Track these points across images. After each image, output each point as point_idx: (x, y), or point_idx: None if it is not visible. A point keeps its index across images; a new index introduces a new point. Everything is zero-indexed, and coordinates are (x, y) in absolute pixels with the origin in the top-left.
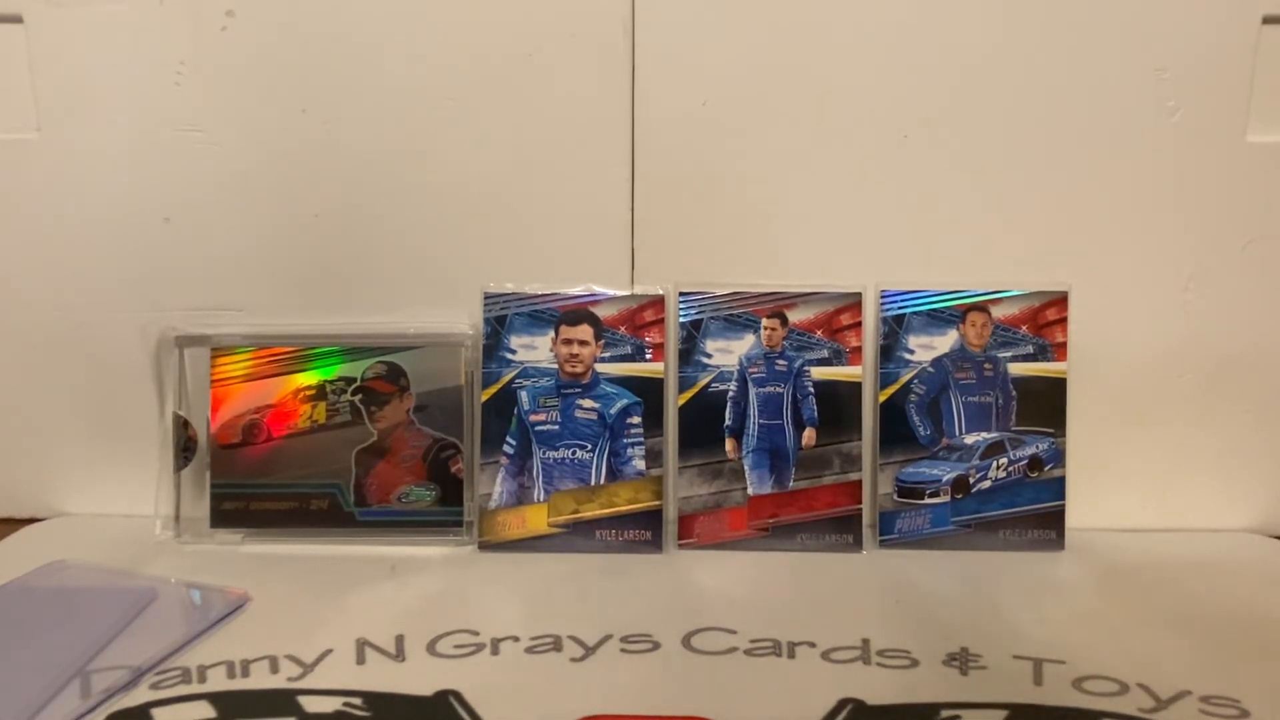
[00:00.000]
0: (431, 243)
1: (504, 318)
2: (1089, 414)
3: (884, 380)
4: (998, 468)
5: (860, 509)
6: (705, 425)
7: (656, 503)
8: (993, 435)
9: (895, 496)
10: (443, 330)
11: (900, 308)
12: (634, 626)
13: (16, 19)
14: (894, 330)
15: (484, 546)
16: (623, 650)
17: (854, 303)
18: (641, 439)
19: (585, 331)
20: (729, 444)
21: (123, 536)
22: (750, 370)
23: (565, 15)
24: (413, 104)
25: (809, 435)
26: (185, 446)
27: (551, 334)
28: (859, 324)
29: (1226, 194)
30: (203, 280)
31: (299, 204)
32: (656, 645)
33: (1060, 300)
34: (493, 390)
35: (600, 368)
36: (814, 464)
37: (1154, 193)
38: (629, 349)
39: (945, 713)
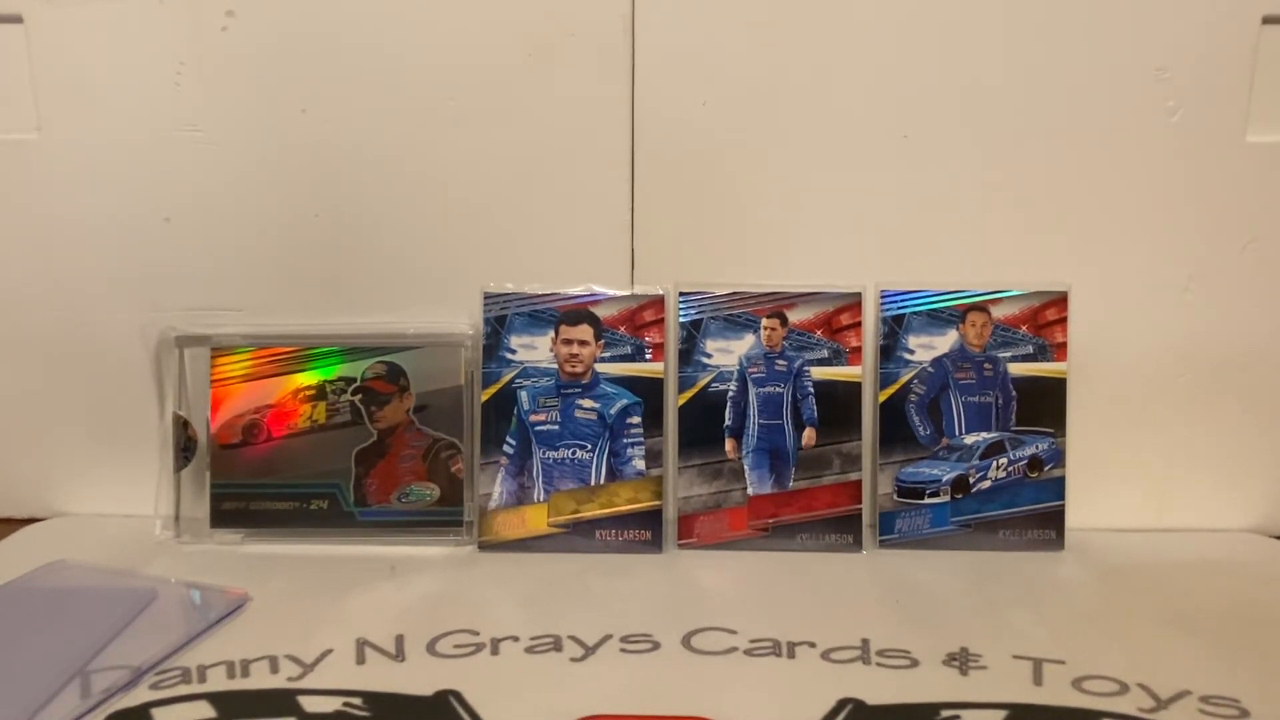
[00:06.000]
0: (431, 243)
1: (504, 318)
2: (1089, 414)
3: (884, 380)
4: (998, 468)
5: (860, 509)
6: (705, 425)
7: (656, 503)
8: (993, 435)
9: (895, 496)
10: (443, 330)
11: (900, 308)
12: (634, 626)
13: (16, 19)
14: (894, 330)
15: (484, 546)
16: (623, 650)
17: (854, 303)
18: (641, 439)
19: (585, 331)
20: (729, 444)
21: (123, 536)
22: (750, 370)
23: (565, 15)
24: (413, 104)
25: (809, 435)
26: (185, 446)
27: (551, 334)
28: (859, 324)
29: (1226, 194)
30: (203, 280)
31: (299, 204)
32: (656, 645)
33: (1060, 300)
34: (493, 390)
35: (600, 368)
36: (814, 464)
37: (1154, 193)
38: (629, 349)
39: (945, 713)
